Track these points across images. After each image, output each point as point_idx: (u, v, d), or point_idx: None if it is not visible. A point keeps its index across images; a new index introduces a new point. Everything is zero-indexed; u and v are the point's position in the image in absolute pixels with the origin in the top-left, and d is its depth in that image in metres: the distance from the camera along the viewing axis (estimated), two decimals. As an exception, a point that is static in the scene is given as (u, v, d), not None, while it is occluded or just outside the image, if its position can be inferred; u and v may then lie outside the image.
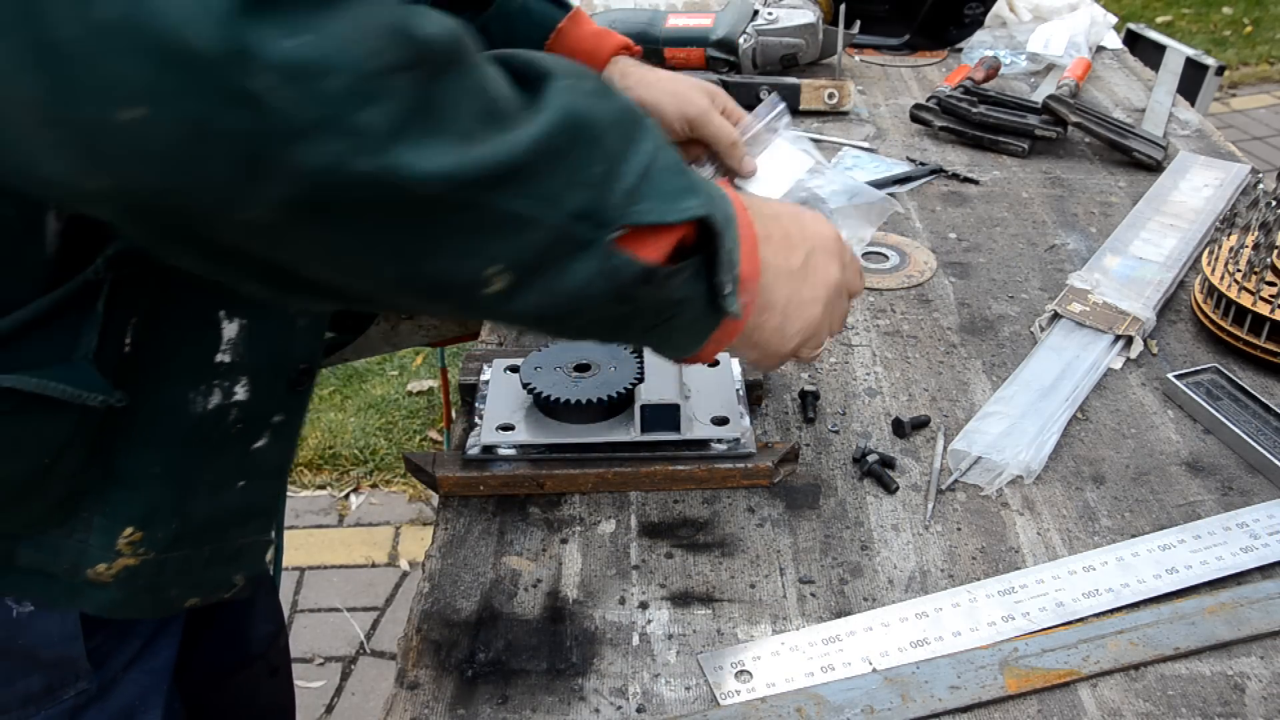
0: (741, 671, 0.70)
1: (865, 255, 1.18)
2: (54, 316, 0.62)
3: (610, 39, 1.08)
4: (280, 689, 1.17)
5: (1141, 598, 0.75)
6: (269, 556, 0.83)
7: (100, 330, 0.63)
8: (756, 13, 1.58)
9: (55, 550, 0.70)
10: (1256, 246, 1.01)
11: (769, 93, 1.51)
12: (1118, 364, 1.00)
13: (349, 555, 2.31)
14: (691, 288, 0.66)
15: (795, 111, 1.52)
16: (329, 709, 2.00)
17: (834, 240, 0.79)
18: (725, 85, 1.51)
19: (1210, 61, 1.89)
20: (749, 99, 1.51)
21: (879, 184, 1.32)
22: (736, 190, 0.83)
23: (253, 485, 0.76)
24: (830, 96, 1.53)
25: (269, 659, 1.12)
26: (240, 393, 0.71)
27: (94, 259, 0.62)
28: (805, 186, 1.19)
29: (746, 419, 0.88)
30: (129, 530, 0.71)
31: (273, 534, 0.81)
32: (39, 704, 0.75)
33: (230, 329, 0.69)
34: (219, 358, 0.69)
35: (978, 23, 1.74)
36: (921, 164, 1.38)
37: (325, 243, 0.53)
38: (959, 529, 0.82)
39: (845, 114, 1.54)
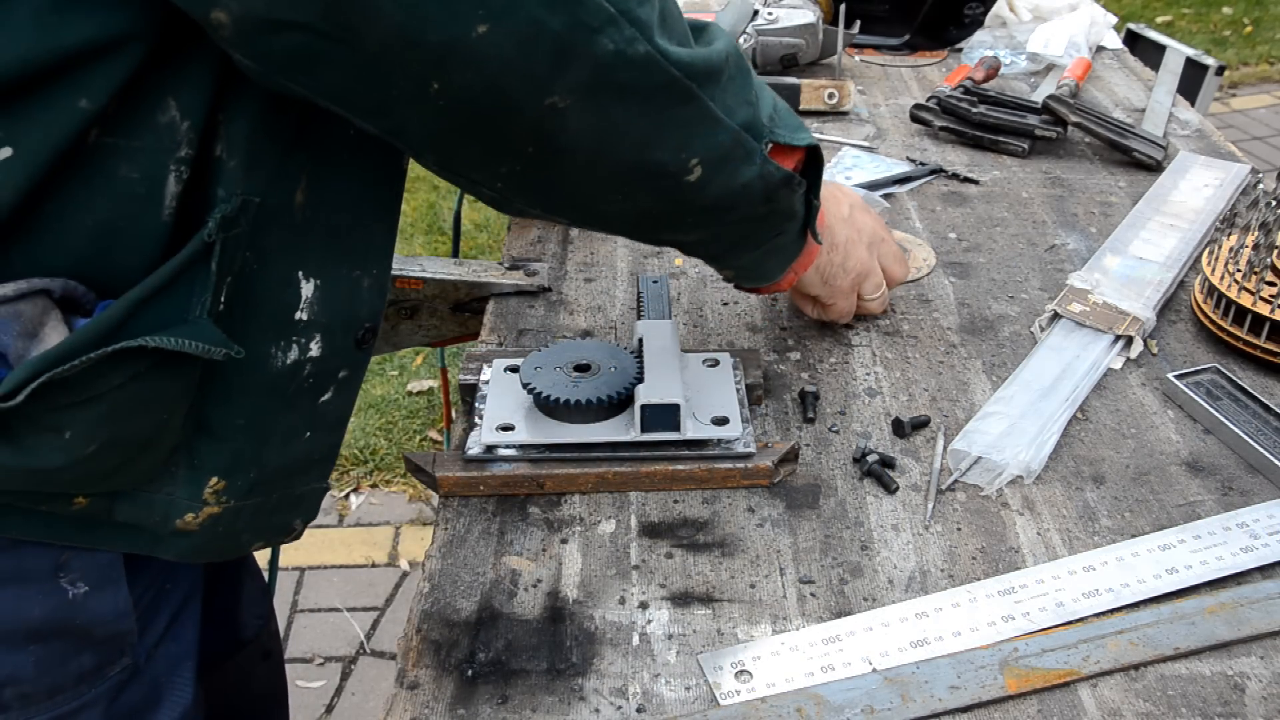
0: (741, 671, 0.70)
1: None
2: (178, 278, 0.66)
3: None
4: (273, 673, 1.18)
5: (1141, 598, 0.75)
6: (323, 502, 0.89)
7: (212, 291, 0.68)
8: (756, 13, 1.58)
9: (149, 505, 0.75)
10: (1256, 246, 1.01)
11: None
12: (1118, 364, 1.00)
13: (349, 555, 2.31)
14: (802, 204, 0.84)
15: (795, 112, 1.52)
16: (329, 709, 2.00)
17: (863, 201, 1.00)
18: None
19: (1210, 61, 1.89)
20: None
21: (879, 184, 1.32)
22: None
23: (317, 436, 0.81)
24: (830, 96, 1.53)
25: (261, 643, 1.13)
26: (314, 349, 0.76)
27: (205, 222, 0.66)
28: None
29: (746, 419, 0.88)
30: (214, 480, 0.76)
31: (324, 484, 0.86)
32: (90, 682, 0.78)
33: (308, 289, 0.74)
34: (298, 315, 0.74)
35: (978, 23, 1.74)
36: (921, 164, 1.38)
37: (592, 127, 0.65)
38: (959, 529, 0.82)
39: (845, 114, 1.54)
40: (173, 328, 0.66)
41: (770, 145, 0.77)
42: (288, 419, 0.78)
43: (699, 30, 0.72)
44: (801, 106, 1.52)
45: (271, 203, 0.69)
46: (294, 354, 0.75)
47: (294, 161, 0.70)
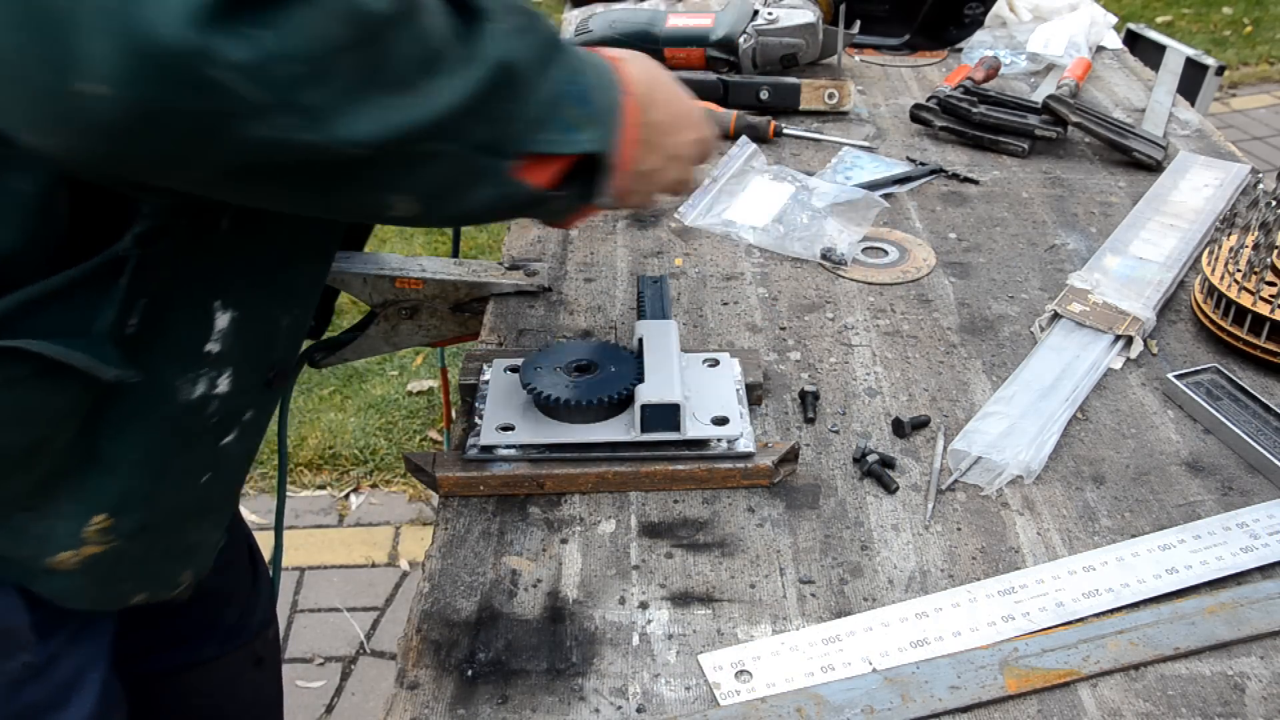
0: (741, 671, 0.70)
1: (865, 250, 1.18)
2: (78, 288, 0.64)
3: None
4: (265, 680, 1.17)
5: (1141, 598, 0.75)
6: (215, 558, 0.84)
7: (118, 308, 0.65)
8: (756, 13, 1.58)
9: (19, 534, 0.71)
10: (1256, 246, 1.01)
11: (768, 94, 1.51)
12: (1118, 364, 1.00)
13: (349, 555, 2.31)
14: (572, 201, 0.74)
15: (795, 112, 1.52)
16: (329, 709, 2.00)
17: (692, 148, 0.86)
18: (725, 85, 1.51)
19: (1210, 61, 1.89)
20: (749, 99, 1.51)
21: (879, 184, 1.32)
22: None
23: (217, 480, 0.78)
24: (830, 96, 1.53)
25: (254, 649, 1.12)
26: (223, 384, 0.73)
27: (122, 236, 0.64)
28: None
29: (746, 419, 0.88)
30: (100, 517, 0.71)
31: (223, 535, 0.83)
32: None
33: (222, 319, 0.71)
34: (209, 346, 0.71)
35: (978, 23, 1.74)
36: (921, 164, 1.38)
37: (253, 190, 0.59)
38: (959, 529, 0.82)
39: (845, 114, 1.54)
40: (66, 339, 0.63)
41: (520, 160, 0.66)
42: (187, 458, 0.74)
43: (464, 37, 0.60)
44: (801, 106, 1.52)
45: (197, 225, 0.66)
46: (201, 388, 0.72)
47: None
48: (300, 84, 0.51)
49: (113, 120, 0.49)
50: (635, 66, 0.80)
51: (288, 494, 2.28)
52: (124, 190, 0.62)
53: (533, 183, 0.67)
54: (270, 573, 1.18)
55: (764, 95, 1.51)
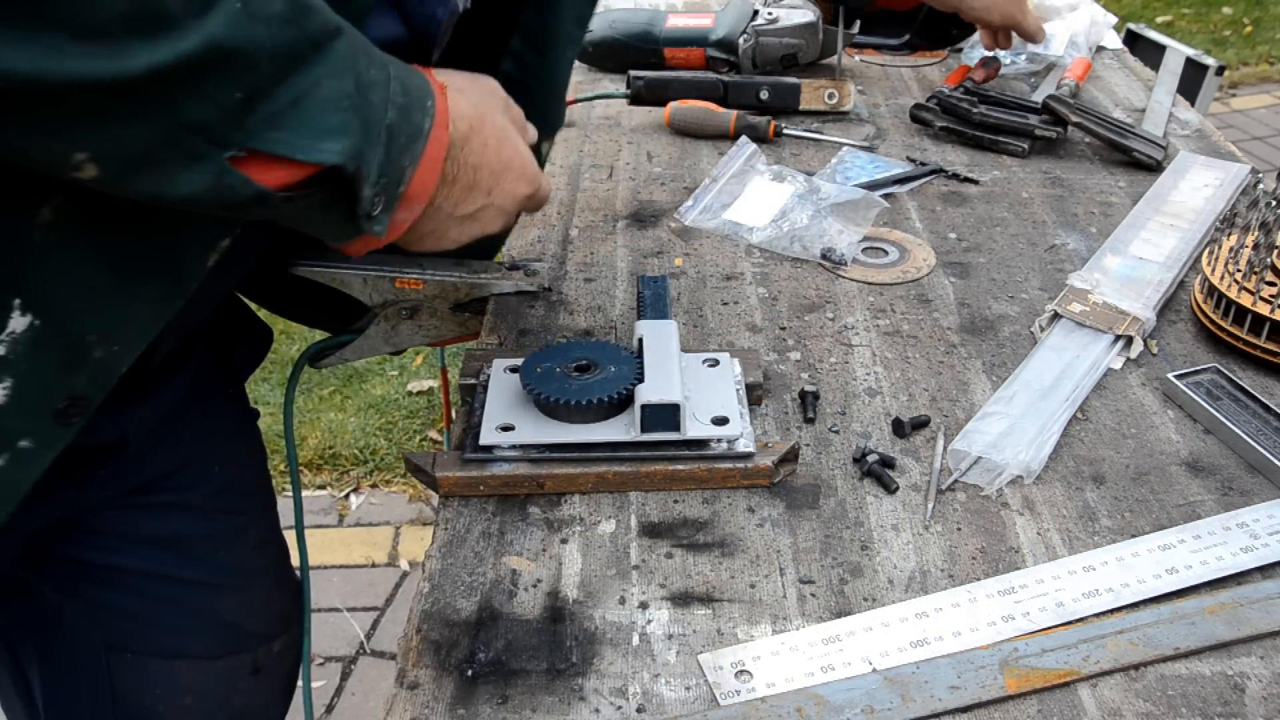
0: (741, 671, 0.70)
1: (865, 250, 1.18)
2: None
3: None
4: (260, 691, 1.15)
5: (1141, 598, 0.75)
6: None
7: None
8: (756, 13, 1.58)
9: None
10: (1256, 246, 1.01)
11: (768, 94, 1.51)
12: (1118, 364, 1.00)
13: (349, 555, 2.31)
14: (319, 210, 0.66)
15: (795, 111, 1.52)
16: (329, 709, 2.00)
17: (517, 203, 0.82)
18: (724, 86, 1.51)
19: (1210, 61, 1.89)
20: (749, 99, 1.51)
21: (879, 184, 1.32)
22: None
23: None
24: (830, 96, 1.53)
25: (256, 657, 1.12)
26: None
27: None
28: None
29: (746, 419, 0.88)
30: None
31: None
32: None
33: (18, 322, 0.63)
34: None
35: (978, 23, 1.74)
36: (921, 164, 1.38)
37: None
38: (959, 529, 0.82)
39: (845, 114, 1.53)
40: None
41: (244, 153, 0.59)
42: None
43: (186, 11, 0.54)
44: (801, 106, 1.52)
45: (7, 203, 0.60)
46: None
47: (45, 176, 0.60)
48: None
49: None
50: (467, 100, 0.75)
51: (287, 493, 2.28)
52: None
53: (258, 180, 0.61)
54: (301, 583, 1.17)
55: (764, 95, 1.51)
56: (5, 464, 0.66)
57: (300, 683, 1.16)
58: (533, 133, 0.90)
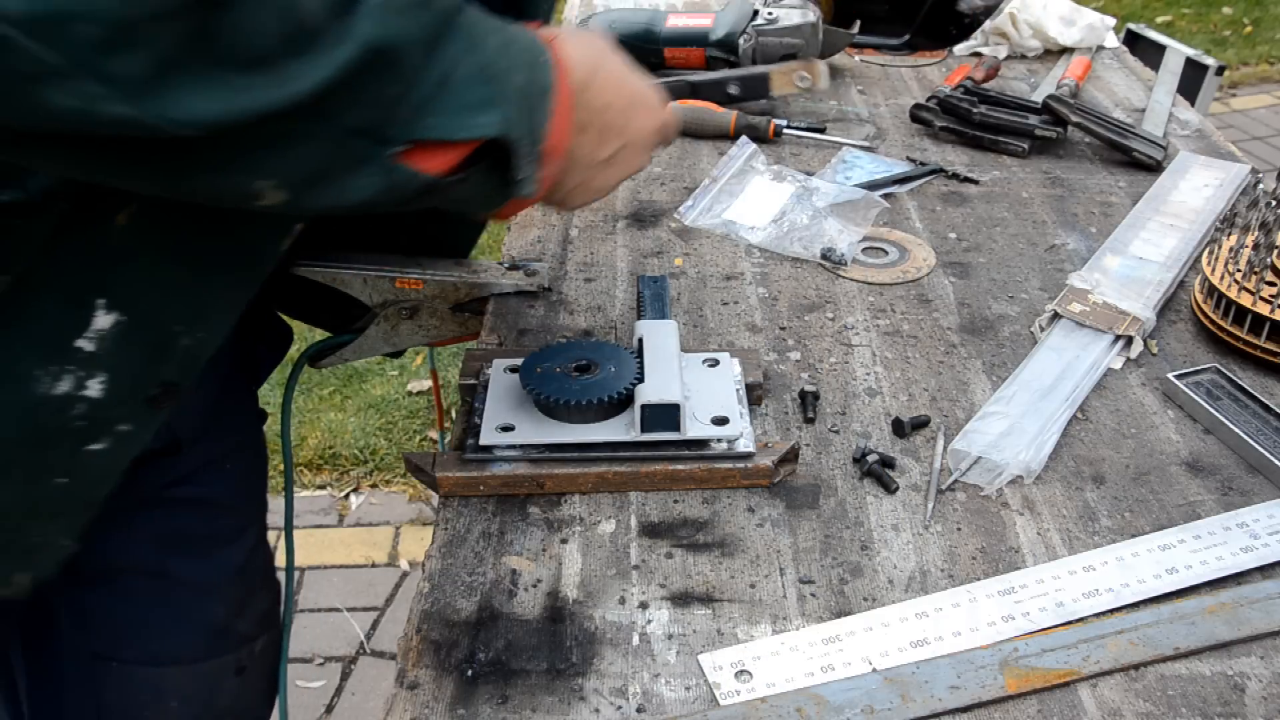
0: (741, 671, 0.70)
1: (865, 250, 1.18)
2: None
3: None
4: (245, 692, 1.14)
5: (1141, 598, 0.75)
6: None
7: None
8: (756, 13, 1.58)
9: None
10: (1256, 246, 1.01)
11: (736, 88, 1.48)
12: (1118, 364, 1.00)
13: (349, 555, 2.31)
14: (478, 187, 0.67)
15: (766, 98, 1.50)
16: (329, 709, 2.00)
17: (650, 135, 0.83)
18: (693, 85, 1.47)
19: (1210, 61, 1.89)
20: (718, 96, 1.49)
21: (879, 184, 1.32)
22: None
23: (74, 485, 0.72)
24: (801, 80, 1.46)
25: (240, 657, 1.11)
26: (93, 388, 0.67)
27: None
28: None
29: (746, 419, 0.88)
30: None
31: (75, 543, 0.77)
32: None
33: (103, 319, 0.65)
34: (80, 343, 0.65)
35: (977, 23, 1.74)
36: (921, 164, 1.38)
37: (75, 165, 0.53)
38: (959, 529, 0.82)
39: (821, 100, 1.51)
40: None
41: (408, 146, 0.60)
42: (40, 455, 0.69)
43: (327, 21, 0.54)
44: (774, 93, 1.47)
45: (85, 211, 0.61)
46: (65, 386, 0.66)
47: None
48: (99, 49, 0.46)
49: None
50: (575, 46, 0.74)
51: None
52: None
53: (424, 170, 0.62)
54: (281, 582, 1.18)
55: (732, 90, 1.47)
56: (108, 446, 0.70)
57: (283, 676, 1.16)
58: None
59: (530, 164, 0.69)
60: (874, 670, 0.70)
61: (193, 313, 0.69)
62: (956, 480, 0.87)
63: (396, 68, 0.57)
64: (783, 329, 1.06)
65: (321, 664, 2.08)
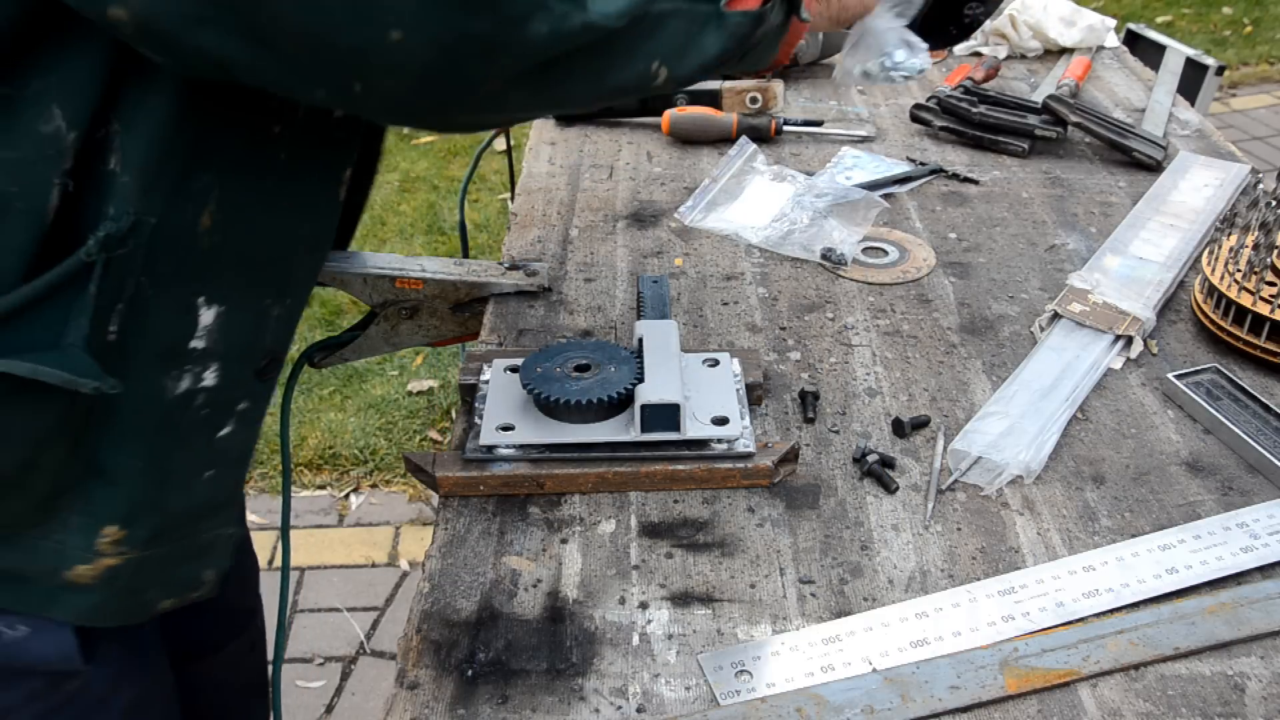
0: (741, 671, 0.70)
1: (865, 250, 1.18)
2: (45, 299, 0.61)
3: None
4: (258, 664, 1.19)
5: (1141, 598, 0.75)
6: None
7: (91, 316, 0.63)
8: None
9: (31, 551, 0.69)
10: (1256, 246, 1.01)
11: (686, 102, 1.46)
12: (1118, 364, 1.00)
13: (349, 555, 2.31)
14: (779, 13, 0.77)
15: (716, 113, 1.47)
16: (329, 709, 2.00)
17: None
18: (641, 100, 1.44)
19: (1210, 61, 1.88)
20: (667, 106, 1.47)
21: (879, 184, 1.32)
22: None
23: (219, 474, 0.77)
24: (753, 101, 1.45)
25: (250, 636, 1.15)
26: (209, 378, 0.72)
27: (84, 242, 0.61)
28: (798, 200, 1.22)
29: (746, 419, 0.88)
30: (111, 529, 0.70)
31: (238, 529, 0.83)
32: (44, 700, 0.77)
33: (207, 316, 0.70)
34: (193, 344, 0.70)
35: (977, 23, 1.73)
36: (921, 164, 1.38)
37: (539, 88, 0.64)
38: (959, 529, 0.82)
39: (821, 100, 1.52)
40: (38, 353, 0.61)
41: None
42: (185, 456, 0.73)
43: None
44: (725, 110, 1.46)
45: (171, 224, 0.64)
46: (185, 383, 0.70)
47: (200, 181, 0.65)
48: None
49: (418, 61, 0.57)
50: None
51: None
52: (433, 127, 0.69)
53: (746, 8, 0.73)
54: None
55: (680, 103, 1.45)
56: (235, 428, 0.76)
57: (277, 674, 1.17)
58: None
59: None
60: (874, 670, 0.70)
61: (278, 287, 0.75)
62: (956, 480, 0.87)
63: None
64: (783, 329, 1.06)
65: (321, 664, 2.08)
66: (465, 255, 1.27)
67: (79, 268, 0.61)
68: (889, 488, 0.85)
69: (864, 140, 1.45)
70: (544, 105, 0.71)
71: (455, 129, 0.71)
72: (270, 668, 1.18)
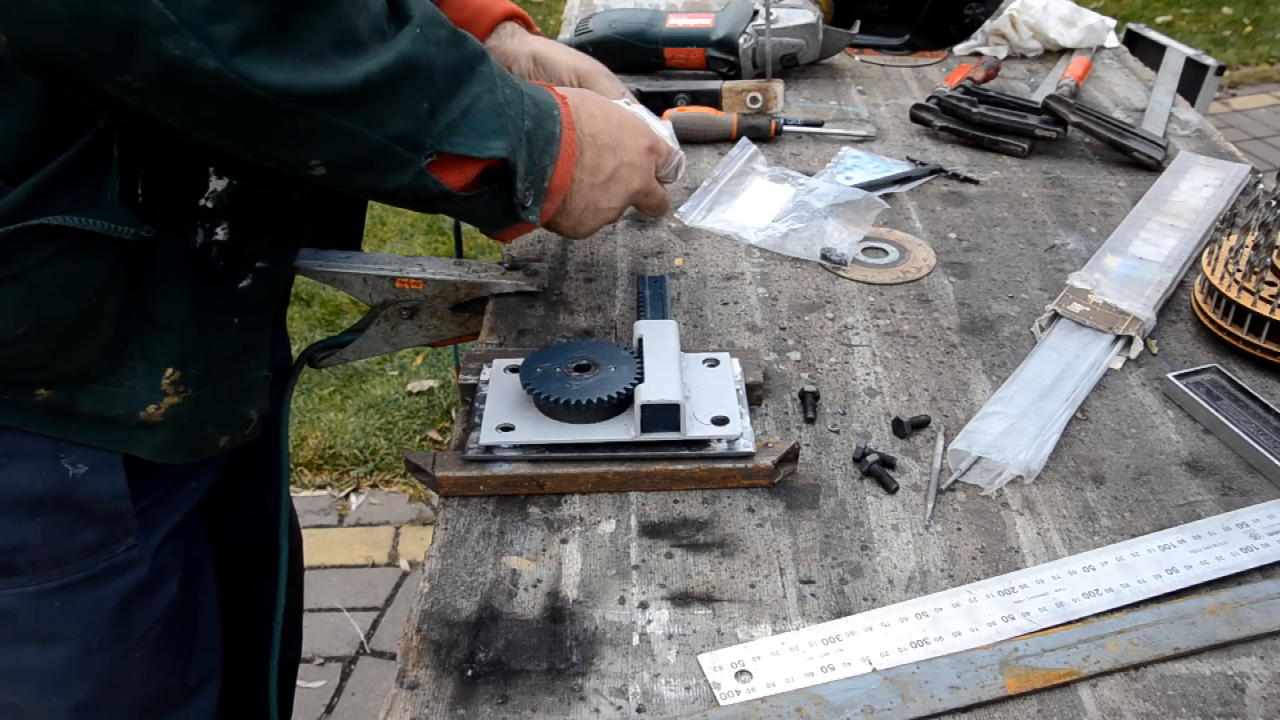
0: (741, 671, 0.70)
1: (865, 250, 1.18)
2: (81, 164, 0.73)
3: (496, 7, 1.15)
4: (294, 600, 1.30)
5: (1141, 598, 0.75)
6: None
7: (120, 178, 0.74)
8: (756, 13, 1.58)
9: (110, 397, 0.81)
10: (1256, 246, 1.01)
11: (685, 100, 1.47)
12: (1118, 364, 1.00)
13: (349, 555, 2.31)
14: (489, 204, 0.83)
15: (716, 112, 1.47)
16: (329, 709, 2.00)
17: (641, 155, 0.96)
18: (639, 94, 1.44)
19: (1210, 61, 1.89)
20: (670, 105, 1.47)
21: (879, 184, 1.32)
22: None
23: (245, 323, 0.88)
24: (753, 101, 1.46)
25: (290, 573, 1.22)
26: (220, 234, 0.83)
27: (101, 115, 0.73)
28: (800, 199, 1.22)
29: (746, 419, 0.88)
30: (170, 370, 0.83)
31: (268, 372, 0.94)
32: (95, 555, 0.87)
33: (218, 184, 0.81)
34: (202, 202, 0.81)
35: (978, 23, 1.74)
36: (921, 164, 1.38)
37: (181, 110, 0.68)
38: (959, 529, 0.82)
39: (820, 100, 1.52)
40: (81, 212, 0.72)
41: (435, 157, 0.76)
42: (216, 304, 0.85)
43: (389, 33, 0.71)
44: (725, 110, 1.46)
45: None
46: (201, 237, 0.82)
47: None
48: (205, 14, 0.61)
49: (55, 19, 0.60)
50: (572, 93, 0.92)
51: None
52: (85, 100, 0.71)
53: (445, 182, 0.78)
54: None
55: (680, 102, 1.45)
56: (252, 281, 0.87)
57: (272, 676, 1.18)
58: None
59: (531, 195, 0.85)
60: (874, 670, 0.70)
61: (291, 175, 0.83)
62: (956, 480, 0.87)
63: (425, 85, 0.73)
64: (783, 329, 1.06)
65: (321, 664, 2.08)
66: (459, 254, 1.27)
67: (97, 136, 0.73)
68: (889, 488, 0.86)
69: (864, 140, 1.45)
70: (205, 137, 0.72)
71: (166, 111, 0.71)
72: (269, 668, 1.18)
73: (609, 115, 0.94)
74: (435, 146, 0.75)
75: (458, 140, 0.77)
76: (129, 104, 0.68)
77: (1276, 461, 0.86)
